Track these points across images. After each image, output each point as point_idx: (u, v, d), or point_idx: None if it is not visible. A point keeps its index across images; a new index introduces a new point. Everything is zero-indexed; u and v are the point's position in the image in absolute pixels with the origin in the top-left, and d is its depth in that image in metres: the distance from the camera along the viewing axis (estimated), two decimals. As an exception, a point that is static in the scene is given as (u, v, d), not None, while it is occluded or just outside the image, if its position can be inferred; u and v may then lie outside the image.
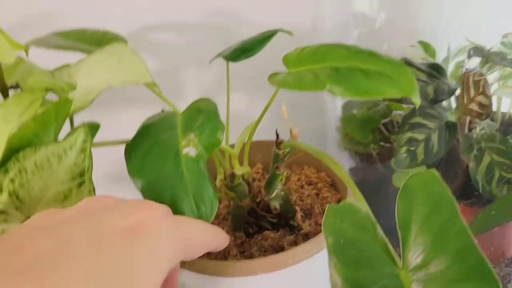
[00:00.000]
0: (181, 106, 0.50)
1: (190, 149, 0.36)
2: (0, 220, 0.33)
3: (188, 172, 0.35)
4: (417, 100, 0.38)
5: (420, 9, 0.76)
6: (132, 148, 0.36)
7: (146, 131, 0.38)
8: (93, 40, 0.53)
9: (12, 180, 0.33)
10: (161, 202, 0.33)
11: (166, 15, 0.68)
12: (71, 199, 0.35)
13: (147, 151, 0.36)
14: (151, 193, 0.34)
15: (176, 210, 0.34)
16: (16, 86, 0.41)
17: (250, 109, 0.73)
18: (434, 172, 0.31)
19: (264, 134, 0.55)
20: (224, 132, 0.38)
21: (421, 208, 0.30)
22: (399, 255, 0.31)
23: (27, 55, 0.54)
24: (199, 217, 0.35)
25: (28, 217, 0.35)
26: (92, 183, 0.37)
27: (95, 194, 0.38)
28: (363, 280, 0.29)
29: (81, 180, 0.36)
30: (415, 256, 0.30)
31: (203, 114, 0.39)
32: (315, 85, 0.38)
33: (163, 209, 0.29)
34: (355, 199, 0.51)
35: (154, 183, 0.34)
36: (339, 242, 0.29)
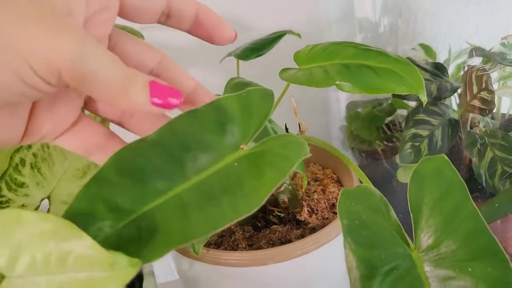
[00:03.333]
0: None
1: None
2: (21, 194, 0.34)
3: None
4: (424, 97, 0.39)
5: (421, 14, 0.78)
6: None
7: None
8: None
9: (34, 155, 0.34)
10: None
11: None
12: (89, 176, 0.36)
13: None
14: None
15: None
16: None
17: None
18: (445, 157, 0.32)
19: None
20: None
21: (433, 192, 0.31)
22: (412, 239, 0.32)
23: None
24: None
25: (48, 197, 0.36)
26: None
27: None
28: (377, 260, 0.30)
29: None
30: (426, 238, 0.31)
31: None
32: (325, 81, 0.39)
33: None
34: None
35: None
36: (354, 223, 0.30)
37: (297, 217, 0.55)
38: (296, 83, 0.40)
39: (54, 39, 0.21)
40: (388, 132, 0.68)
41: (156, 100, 0.24)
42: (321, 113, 0.77)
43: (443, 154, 0.32)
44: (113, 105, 0.24)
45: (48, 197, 0.37)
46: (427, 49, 0.72)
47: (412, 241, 0.32)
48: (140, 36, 0.51)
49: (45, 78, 0.21)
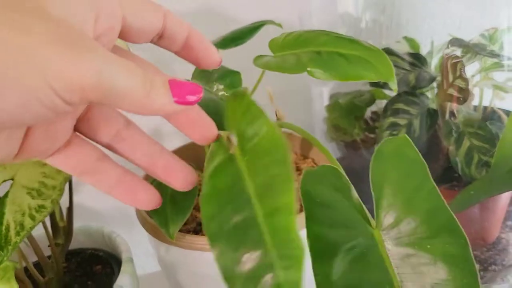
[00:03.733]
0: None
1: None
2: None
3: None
4: (394, 86, 0.40)
5: (405, 8, 0.79)
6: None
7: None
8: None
9: None
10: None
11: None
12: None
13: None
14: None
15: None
16: None
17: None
18: (407, 137, 0.32)
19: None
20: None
21: (394, 171, 0.32)
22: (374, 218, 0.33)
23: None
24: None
25: (12, 179, 0.37)
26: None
27: None
28: (337, 238, 0.30)
29: None
30: (388, 216, 0.32)
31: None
32: (297, 68, 0.40)
33: None
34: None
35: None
36: (315, 201, 0.31)
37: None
38: (268, 69, 0.41)
39: (75, 58, 0.21)
40: (371, 123, 0.68)
41: (177, 99, 0.24)
42: (304, 106, 0.77)
43: (405, 135, 0.32)
44: (140, 113, 0.24)
45: (12, 179, 0.37)
46: (411, 42, 0.73)
47: (374, 220, 0.32)
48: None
49: (66, 97, 0.21)
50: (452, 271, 0.29)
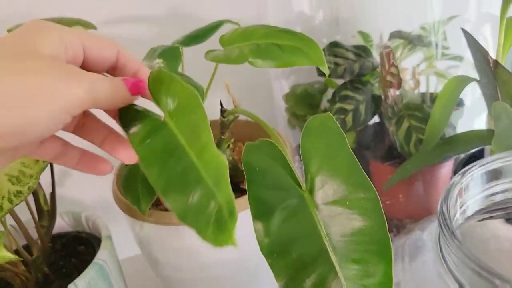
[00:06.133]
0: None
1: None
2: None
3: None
4: (325, 70, 0.46)
5: (359, 4, 0.85)
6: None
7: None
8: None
9: None
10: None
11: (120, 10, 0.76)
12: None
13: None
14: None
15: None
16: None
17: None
18: (329, 114, 0.39)
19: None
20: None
21: (319, 142, 0.38)
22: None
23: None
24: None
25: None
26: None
27: None
28: (273, 198, 0.37)
29: None
30: (315, 180, 0.38)
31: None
32: (240, 59, 0.47)
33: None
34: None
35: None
36: (254, 169, 0.37)
37: (241, 186, 0.62)
38: (217, 61, 0.48)
39: (71, 84, 0.30)
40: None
41: (132, 91, 0.35)
42: (267, 100, 0.83)
43: (329, 112, 0.39)
44: (112, 107, 0.35)
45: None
46: (364, 36, 0.80)
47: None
48: (93, 27, 0.57)
49: (75, 108, 0.30)
50: (365, 221, 0.36)
